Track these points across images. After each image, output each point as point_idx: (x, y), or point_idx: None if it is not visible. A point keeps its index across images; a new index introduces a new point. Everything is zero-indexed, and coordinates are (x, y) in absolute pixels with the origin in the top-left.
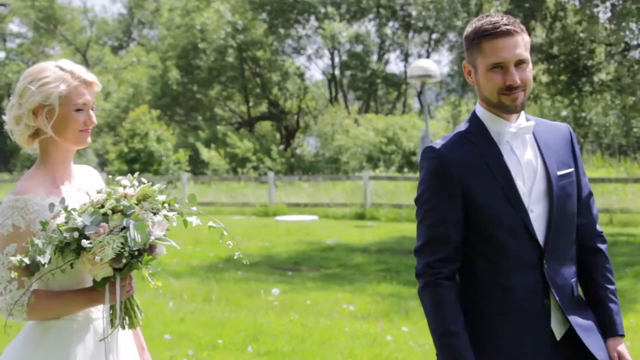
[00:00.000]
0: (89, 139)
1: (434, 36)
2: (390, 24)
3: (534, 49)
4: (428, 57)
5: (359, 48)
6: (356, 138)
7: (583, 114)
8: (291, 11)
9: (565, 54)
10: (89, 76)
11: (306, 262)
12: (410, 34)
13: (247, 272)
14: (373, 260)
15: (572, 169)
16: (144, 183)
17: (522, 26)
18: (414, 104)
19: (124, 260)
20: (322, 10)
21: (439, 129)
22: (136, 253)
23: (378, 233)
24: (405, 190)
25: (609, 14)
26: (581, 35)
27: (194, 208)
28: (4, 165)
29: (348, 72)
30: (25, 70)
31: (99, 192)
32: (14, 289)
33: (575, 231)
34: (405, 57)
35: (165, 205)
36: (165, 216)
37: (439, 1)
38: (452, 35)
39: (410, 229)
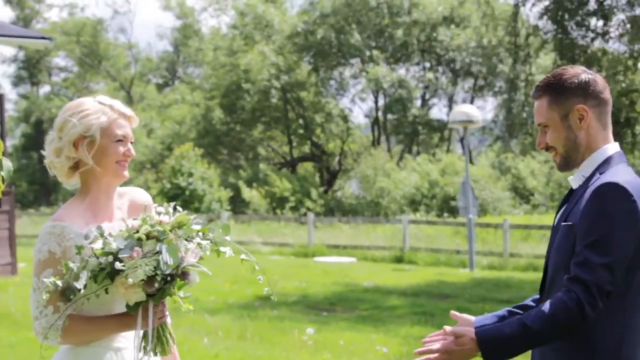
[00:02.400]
0: (127, 173)
1: (479, 82)
2: (435, 68)
3: None
4: (472, 102)
5: (402, 92)
6: (398, 182)
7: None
8: (336, 53)
9: None
10: (128, 110)
11: (342, 303)
12: (455, 79)
13: (282, 311)
14: (408, 303)
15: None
16: (179, 212)
17: (546, 87)
18: (457, 149)
19: (156, 285)
20: (368, 53)
21: (480, 175)
22: (168, 278)
23: (415, 276)
24: (444, 234)
25: None
26: (623, 85)
27: (228, 237)
28: (46, 199)
29: (390, 116)
30: (64, 105)
31: (135, 218)
32: (49, 314)
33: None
34: (449, 101)
35: (200, 233)
36: (199, 244)
37: (484, 47)
38: (497, 81)
39: (447, 273)
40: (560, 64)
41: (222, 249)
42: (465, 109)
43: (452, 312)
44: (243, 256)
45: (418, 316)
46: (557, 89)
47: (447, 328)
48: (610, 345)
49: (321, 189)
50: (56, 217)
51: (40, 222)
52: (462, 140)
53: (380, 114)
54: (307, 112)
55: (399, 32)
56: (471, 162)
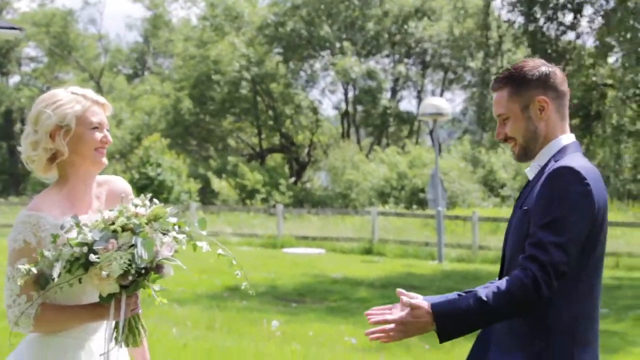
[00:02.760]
0: (105, 160)
1: (449, 75)
2: (405, 61)
3: None
4: (442, 95)
5: (372, 84)
6: (367, 174)
7: (597, 158)
8: (306, 45)
9: (578, 98)
10: (101, 98)
11: (310, 295)
12: (425, 72)
13: (251, 302)
14: (377, 295)
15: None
16: (155, 204)
17: (507, 79)
18: (426, 141)
19: (130, 278)
20: (338, 45)
21: (450, 167)
22: (143, 271)
23: (384, 268)
24: (413, 226)
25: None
26: (593, 79)
27: (204, 232)
28: (15, 189)
29: (360, 108)
30: (37, 98)
31: (111, 209)
32: (22, 302)
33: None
34: (419, 94)
35: (176, 227)
36: (175, 238)
37: (455, 40)
38: (467, 75)
39: (416, 265)
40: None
41: (199, 243)
42: (435, 102)
43: (399, 290)
44: (220, 251)
45: None
46: (518, 81)
47: (404, 299)
48: (565, 325)
49: (290, 181)
50: (32, 207)
51: (9, 212)
52: (431, 132)
53: (349, 106)
54: (276, 104)
55: (370, 24)
56: (440, 154)
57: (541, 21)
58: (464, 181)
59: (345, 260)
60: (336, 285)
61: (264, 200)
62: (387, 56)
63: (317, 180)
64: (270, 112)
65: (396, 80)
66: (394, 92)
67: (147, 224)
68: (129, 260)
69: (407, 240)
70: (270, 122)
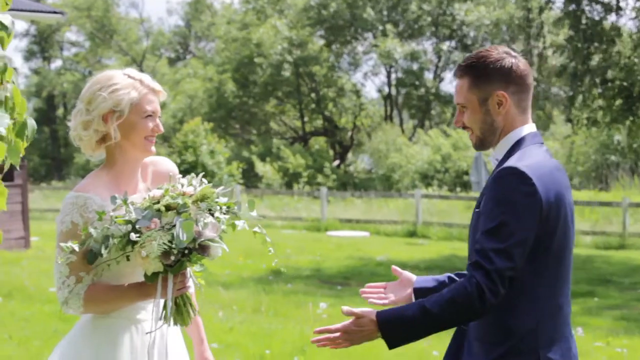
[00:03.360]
0: (154, 148)
1: None
2: (447, 43)
3: (591, 72)
4: None
5: (414, 66)
6: (410, 156)
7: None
8: (349, 28)
9: (620, 79)
10: (157, 85)
11: (355, 277)
12: (467, 54)
13: (296, 285)
14: None
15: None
16: (204, 184)
17: (468, 68)
18: None
19: (172, 258)
20: (380, 27)
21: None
22: (186, 251)
23: (428, 251)
24: (457, 209)
25: None
26: (635, 60)
27: (254, 213)
28: (57, 173)
29: (403, 90)
30: (92, 78)
31: (159, 188)
32: (71, 284)
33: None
34: None
35: (223, 208)
36: (217, 218)
37: (496, 25)
38: None
39: (460, 248)
40: (574, 40)
41: (236, 222)
42: None
43: (394, 267)
44: (256, 229)
45: None
46: (478, 72)
47: (344, 308)
48: (528, 327)
49: (334, 164)
50: (79, 188)
51: (52, 196)
52: None
53: (392, 88)
54: (319, 87)
55: (412, 6)
56: None
57: (583, 3)
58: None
59: (389, 243)
60: (381, 267)
61: (308, 183)
62: (429, 38)
63: (361, 163)
64: (313, 95)
65: (438, 62)
66: (436, 74)
67: (193, 203)
68: (169, 240)
69: (451, 223)
70: (313, 105)
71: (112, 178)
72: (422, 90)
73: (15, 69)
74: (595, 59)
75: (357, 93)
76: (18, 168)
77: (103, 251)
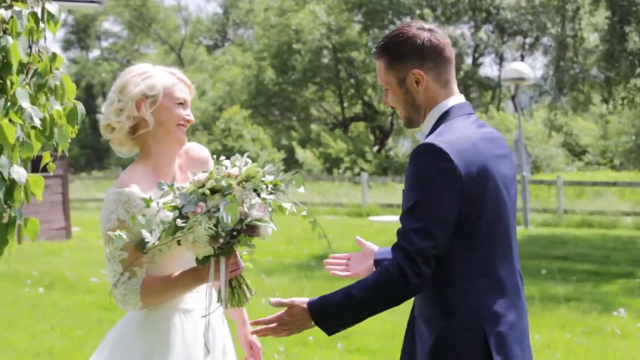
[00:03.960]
0: (185, 138)
1: (528, 40)
2: (485, 27)
3: (628, 53)
4: (522, 60)
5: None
6: None
7: None
8: (386, 12)
9: None
10: (187, 79)
11: None
12: (505, 38)
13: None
14: None
15: None
16: (249, 163)
17: (383, 50)
18: (508, 107)
19: (221, 240)
20: (418, 11)
21: (532, 132)
22: (234, 233)
23: None
24: None
25: None
26: None
27: (301, 189)
28: (98, 163)
29: None
30: (122, 70)
31: (204, 171)
32: (126, 279)
33: None
34: (500, 60)
35: (269, 187)
36: (263, 199)
37: (534, 6)
38: (546, 40)
39: None
40: (613, 22)
41: (284, 204)
42: (516, 66)
43: (357, 237)
44: (304, 213)
45: None
46: (393, 53)
47: (272, 300)
48: (467, 304)
49: (374, 149)
50: (120, 183)
51: (92, 186)
52: (513, 97)
53: None
54: (358, 72)
55: None
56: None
57: None
58: (546, 146)
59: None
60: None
61: (349, 169)
62: (467, 22)
63: (401, 148)
64: (352, 81)
65: (476, 47)
66: (475, 58)
67: (238, 184)
68: (215, 224)
69: None
70: (352, 91)
71: (150, 169)
72: (461, 74)
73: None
74: (633, 40)
75: None
76: (66, 153)
77: (152, 238)
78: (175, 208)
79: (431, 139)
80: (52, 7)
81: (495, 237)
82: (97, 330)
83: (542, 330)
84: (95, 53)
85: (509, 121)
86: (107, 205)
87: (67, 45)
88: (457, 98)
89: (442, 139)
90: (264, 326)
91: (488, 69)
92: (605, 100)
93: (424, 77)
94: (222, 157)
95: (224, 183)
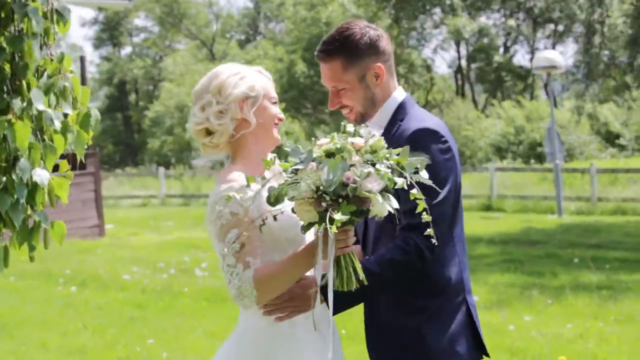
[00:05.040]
0: (279, 136)
1: (559, 28)
2: (516, 15)
3: None
4: (554, 48)
5: (484, 40)
6: (484, 129)
7: None
8: (416, 3)
9: None
10: (271, 77)
11: None
12: (536, 26)
13: None
14: (497, 251)
15: None
16: (376, 137)
17: (338, 50)
18: (541, 95)
19: (323, 204)
20: (448, 1)
21: (565, 120)
22: (340, 200)
23: (503, 224)
24: (531, 181)
25: None
26: None
27: (424, 174)
28: (132, 159)
29: (474, 65)
30: (212, 70)
31: (326, 136)
32: (240, 271)
33: None
34: (532, 49)
35: (389, 162)
36: (377, 169)
37: None
38: (577, 26)
39: (535, 220)
40: (637, 7)
41: (397, 179)
42: (548, 55)
43: None
44: (414, 191)
45: (507, 264)
46: (350, 51)
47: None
48: (456, 279)
49: None
50: (225, 180)
51: (126, 183)
52: (546, 86)
53: (463, 62)
54: None
55: None
56: (556, 107)
57: None
58: (580, 133)
59: (464, 217)
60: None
61: None
62: (498, 11)
63: None
64: None
65: (508, 35)
66: (506, 47)
67: (357, 152)
68: (316, 180)
69: (526, 195)
70: None
71: (249, 169)
72: (494, 64)
73: (82, 57)
74: None
75: (428, 68)
76: (83, 159)
77: (293, 193)
78: (287, 167)
79: (423, 124)
80: (61, 7)
81: (462, 213)
82: (129, 328)
83: (575, 319)
84: (127, 50)
85: (542, 110)
86: (217, 203)
87: (98, 43)
88: (401, 91)
89: (431, 123)
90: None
91: (521, 57)
92: (627, 86)
93: (384, 70)
94: (348, 125)
95: (335, 146)
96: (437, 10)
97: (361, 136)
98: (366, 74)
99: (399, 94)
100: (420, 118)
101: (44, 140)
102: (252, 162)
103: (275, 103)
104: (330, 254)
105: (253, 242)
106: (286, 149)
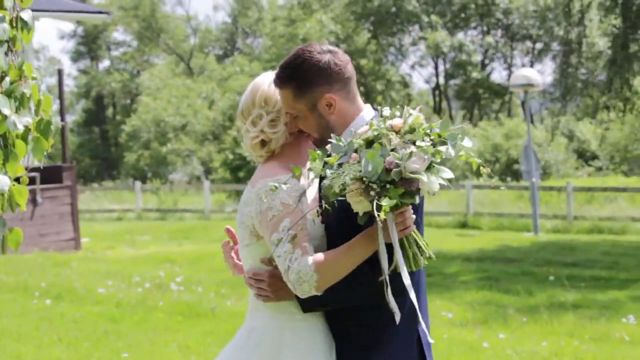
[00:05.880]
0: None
1: (538, 45)
2: (493, 32)
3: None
4: (532, 66)
5: (463, 57)
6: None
7: None
8: (394, 20)
9: None
10: None
11: None
12: (514, 44)
13: None
14: (473, 269)
15: None
16: (414, 114)
17: (288, 79)
18: (518, 113)
19: (372, 193)
20: (426, 19)
21: (543, 139)
22: (387, 186)
23: (479, 241)
24: (507, 199)
25: None
26: None
27: (467, 141)
28: (108, 173)
29: (452, 82)
30: (250, 84)
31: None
32: (298, 256)
33: None
34: (509, 66)
35: (431, 138)
36: (418, 147)
37: (541, 11)
38: (555, 45)
39: (511, 238)
40: (615, 27)
41: (441, 148)
42: (525, 73)
43: (227, 226)
44: (463, 152)
45: (483, 281)
46: (300, 81)
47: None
48: (409, 305)
49: None
50: (268, 174)
51: (103, 197)
52: (523, 104)
53: (441, 79)
54: (367, 80)
55: None
56: (533, 125)
57: None
58: (556, 152)
59: (440, 234)
60: (431, 259)
61: None
62: (475, 28)
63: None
64: (362, 88)
65: (485, 53)
66: (484, 64)
67: (397, 133)
68: (359, 172)
69: (502, 213)
70: (362, 98)
71: (284, 164)
72: (471, 81)
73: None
74: (636, 46)
75: (405, 85)
76: (41, 166)
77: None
78: (333, 161)
79: None
80: (25, 15)
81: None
82: (104, 341)
83: (550, 337)
84: (105, 63)
85: (520, 128)
86: (265, 197)
87: (76, 56)
88: (369, 110)
89: None
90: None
91: (498, 75)
92: (606, 107)
93: (336, 100)
94: (386, 108)
95: (374, 133)
96: (416, 27)
97: (400, 117)
98: (317, 103)
99: (367, 113)
100: None
101: (6, 146)
102: (301, 159)
103: None
104: (393, 238)
105: (306, 230)
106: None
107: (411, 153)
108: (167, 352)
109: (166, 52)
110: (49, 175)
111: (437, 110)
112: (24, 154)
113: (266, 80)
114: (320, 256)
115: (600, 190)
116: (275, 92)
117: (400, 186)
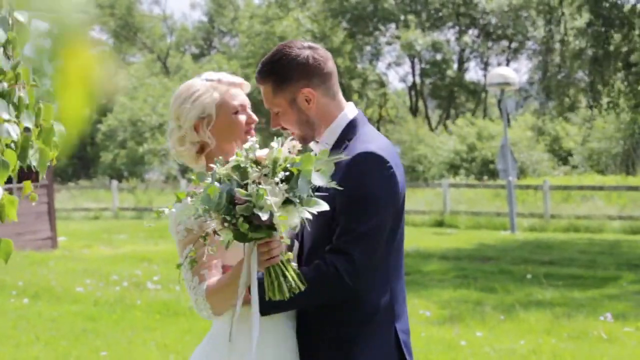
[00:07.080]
0: (255, 138)
1: (513, 44)
2: (470, 32)
3: (615, 56)
4: (507, 65)
5: (438, 56)
6: (437, 147)
7: None
8: (371, 19)
9: None
10: (236, 79)
11: None
12: (490, 43)
13: None
14: (450, 267)
15: None
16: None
17: (268, 74)
18: (495, 112)
19: (225, 224)
20: (402, 17)
21: (518, 138)
22: (237, 219)
23: (456, 240)
24: (484, 197)
25: None
26: None
27: (318, 178)
28: (85, 172)
29: (427, 80)
30: (174, 93)
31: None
32: (196, 285)
33: None
34: (485, 65)
35: (286, 173)
36: (244, 186)
37: (517, 11)
38: (530, 44)
39: (488, 236)
40: (594, 25)
41: (267, 197)
42: (501, 71)
43: None
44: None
45: (460, 280)
46: (278, 76)
47: None
48: (385, 306)
49: None
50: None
51: (79, 196)
52: (499, 103)
53: (417, 78)
54: (343, 79)
55: None
56: (509, 124)
57: None
58: (532, 150)
59: (417, 233)
60: (408, 258)
61: None
62: (451, 28)
63: None
64: None
65: (462, 52)
66: (460, 63)
67: (257, 165)
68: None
69: (479, 212)
70: None
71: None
72: (447, 80)
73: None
74: (615, 43)
75: (381, 84)
76: (44, 177)
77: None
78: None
79: (367, 148)
80: (20, 16)
81: (402, 240)
82: (82, 340)
83: (528, 335)
84: None
85: (492, 127)
86: (176, 218)
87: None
88: (352, 108)
89: (376, 146)
90: None
91: (474, 74)
92: (590, 106)
93: (315, 95)
94: (253, 138)
95: (238, 164)
96: (392, 26)
97: (280, 146)
98: (296, 98)
99: (350, 111)
100: (367, 139)
101: None
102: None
103: (237, 112)
104: (252, 268)
105: (205, 256)
106: (197, 172)
107: (262, 189)
108: (145, 350)
109: (143, 50)
110: (25, 174)
111: (414, 109)
112: (15, 163)
113: (183, 93)
114: (211, 283)
115: (576, 189)
116: (185, 110)
117: (252, 220)
